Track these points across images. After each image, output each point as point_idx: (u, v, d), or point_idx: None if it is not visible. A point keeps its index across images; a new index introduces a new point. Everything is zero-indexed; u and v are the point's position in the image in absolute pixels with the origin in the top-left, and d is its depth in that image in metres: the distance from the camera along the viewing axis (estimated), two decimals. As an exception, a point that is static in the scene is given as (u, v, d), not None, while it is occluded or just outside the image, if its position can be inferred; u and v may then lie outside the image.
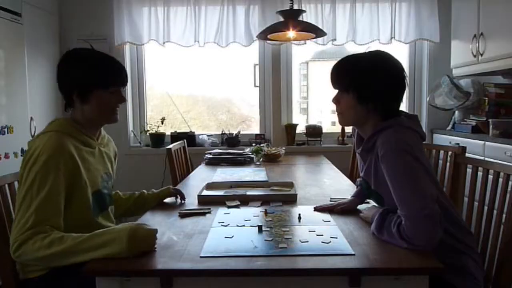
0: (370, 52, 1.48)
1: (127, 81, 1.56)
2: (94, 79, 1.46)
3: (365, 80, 1.38)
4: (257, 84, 3.75)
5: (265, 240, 1.28)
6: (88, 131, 1.52)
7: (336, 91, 1.46)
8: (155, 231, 1.22)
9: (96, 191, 1.50)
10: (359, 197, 1.65)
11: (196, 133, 3.74)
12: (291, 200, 1.78)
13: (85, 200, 1.43)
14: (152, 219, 1.55)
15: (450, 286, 1.33)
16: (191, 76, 3.95)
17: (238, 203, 1.74)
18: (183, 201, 1.80)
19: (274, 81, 3.65)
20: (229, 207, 1.69)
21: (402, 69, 1.41)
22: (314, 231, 1.36)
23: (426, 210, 1.19)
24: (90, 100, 1.47)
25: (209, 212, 1.61)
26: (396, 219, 1.25)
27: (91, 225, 1.43)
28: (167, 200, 1.83)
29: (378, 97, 1.38)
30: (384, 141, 1.31)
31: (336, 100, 1.46)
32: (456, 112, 3.34)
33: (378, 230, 1.28)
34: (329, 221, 1.48)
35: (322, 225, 1.44)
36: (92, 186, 1.47)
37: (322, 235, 1.32)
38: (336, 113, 1.48)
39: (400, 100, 1.43)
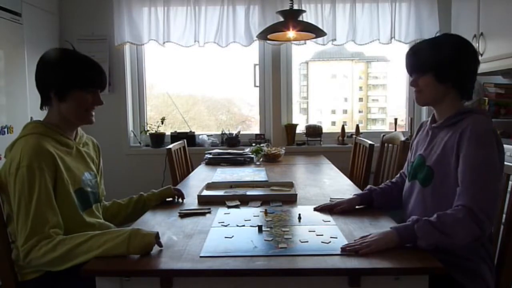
0: (443, 35, 1.52)
1: (105, 85, 1.57)
2: (73, 79, 1.47)
3: (443, 60, 1.41)
4: (257, 84, 3.75)
5: (265, 240, 1.28)
6: (64, 132, 1.52)
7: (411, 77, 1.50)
8: (157, 234, 1.22)
9: (78, 189, 1.50)
10: (362, 197, 1.65)
11: (196, 133, 3.73)
12: (291, 200, 1.78)
13: (68, 198, 1.44)
14: (152, 219, 1.55)
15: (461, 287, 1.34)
16: (191, 76, 3.94)
17: (238, 203, 1.74)
18: (182, 201, 1.81)
19: (274, 81, 3.65)
20: (229, 207, 1.69)
21: (474, 49, 1.47)
22: (314, 231, 1.36)
23: (490, 206, 1.25)
24: (67, 99, 1.48)
25: (209, 212, 1.61)
26: (450, 211, 1.26)
27: (78, 222, 1.45)
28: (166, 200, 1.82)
29: (456, 76, 1.42)
30: (476, 123, 1.34)
31: (414, 83, 1.48)
32: (456, 112, 3.33)
33: (443, 233, 1.22)
34: (329, 221, 1.48)
35: (322, 225, 1.44)
36: (73, 184, 1.47)
37: (322, 235, 1.32)
38: (415, 92, 1.50)
39: (475, 79, 1.47)
